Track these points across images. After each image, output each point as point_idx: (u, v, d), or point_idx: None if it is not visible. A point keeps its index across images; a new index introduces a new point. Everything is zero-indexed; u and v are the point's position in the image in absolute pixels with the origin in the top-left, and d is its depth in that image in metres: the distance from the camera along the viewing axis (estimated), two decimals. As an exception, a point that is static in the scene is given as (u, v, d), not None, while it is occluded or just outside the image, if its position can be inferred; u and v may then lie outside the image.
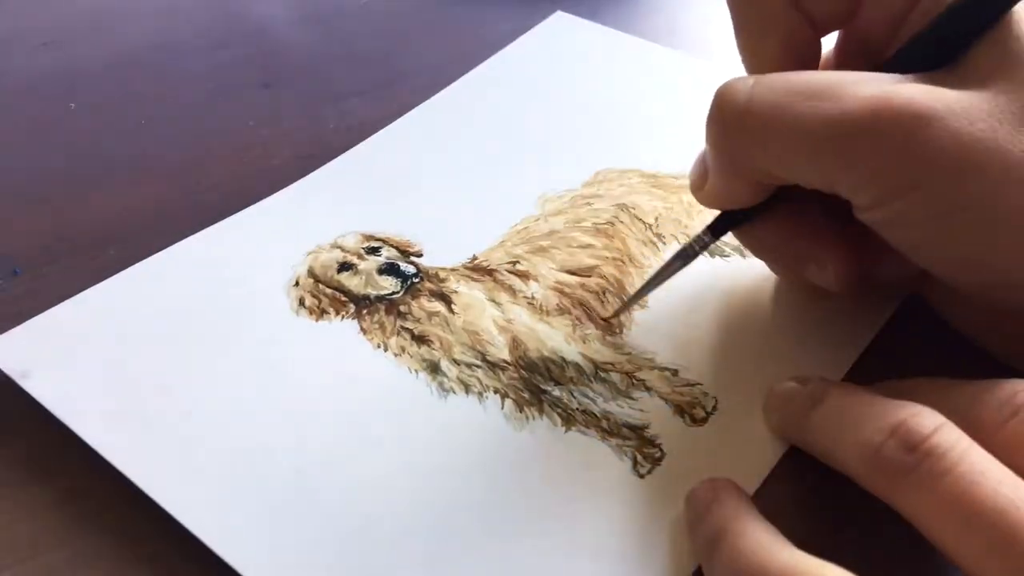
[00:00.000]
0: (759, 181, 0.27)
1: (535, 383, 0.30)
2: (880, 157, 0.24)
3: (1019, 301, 0.26)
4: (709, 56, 0.44)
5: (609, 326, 0.31)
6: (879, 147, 0.23)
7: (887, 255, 0.27)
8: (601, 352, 0.31)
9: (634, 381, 0.30)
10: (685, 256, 0.30)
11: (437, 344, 0.31)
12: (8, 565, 0.26)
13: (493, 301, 0.32)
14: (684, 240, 0.34)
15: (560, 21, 0.46)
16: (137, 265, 0.34)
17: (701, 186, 0.29)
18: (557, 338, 0.31)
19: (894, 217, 0.25)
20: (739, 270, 0.33)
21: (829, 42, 0.29)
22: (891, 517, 0.26)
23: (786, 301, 0.32)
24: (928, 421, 0.22)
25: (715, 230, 0.30)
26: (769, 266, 0.32)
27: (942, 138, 0.23)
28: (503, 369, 0.30)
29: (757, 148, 0.26)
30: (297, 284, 0.33)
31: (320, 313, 0.32)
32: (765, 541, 0.22)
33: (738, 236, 0.31)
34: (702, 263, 0.34)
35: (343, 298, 0.33)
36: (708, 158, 0.28)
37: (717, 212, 0.30)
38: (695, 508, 0.25)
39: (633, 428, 0.28)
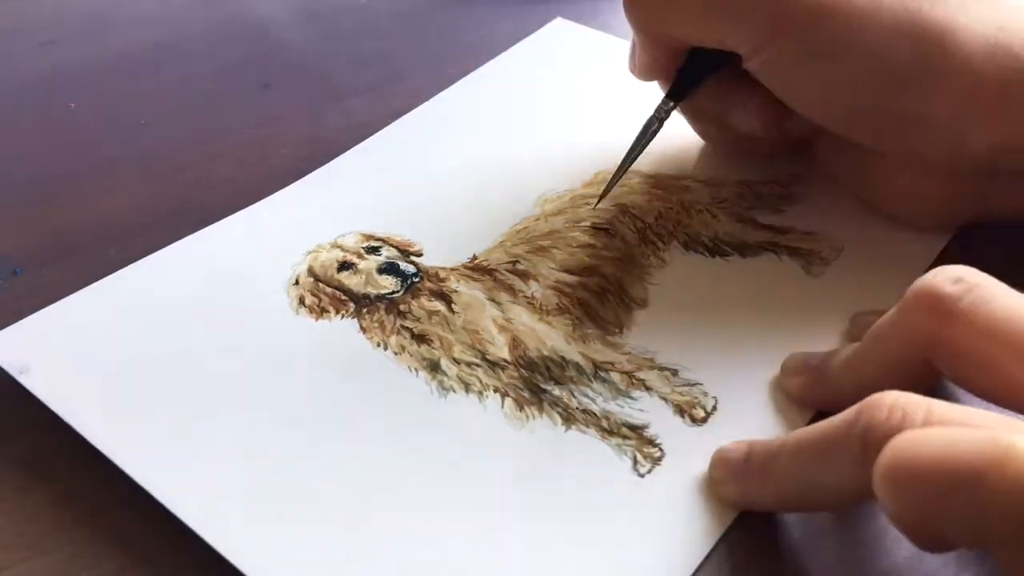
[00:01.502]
0: (669, 46, 0.33)
1: (535, 382, 0.30)
2: (754, 13, 0.30)
3: (873, 138, 0.31)
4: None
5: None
6: (753, 6, 0.30)
7: (791, 112, 0.32)
8: (601, 351, 0.31)
9: (634, 381, 0.30)
10: (654, 122, 0.34)
11: (437, 343, 0.31)
12: (8, 565, 0.26)
13: (493, 300, 0.32)
14: (684, 239, 0.35)
15: (559, 27, 0.46)
16: (137, 263, 0.34)
17: (633, 64, 0.35)
18: (557, 337, 0.31)
19: (768, 63, 0.31)
20: (739, 270, 0.33)
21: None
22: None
23: (787, 301, 0.32)
24: (951, 271, 0.24)
25: (672, 95, 0.34)
26: (696, 128, 0.37)
27: None
28: (503, 368, 0.30)
29: (660, 13, 0.32)
30: (297, 283, 0.33)
31: (320, 312, 0.32)
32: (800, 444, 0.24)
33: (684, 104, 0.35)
34: (702, 263, 0.34)
35: (343, 297, 0.33)
36: (633, 35, 0.34)
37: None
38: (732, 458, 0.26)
39: (633, 428, 0.28)
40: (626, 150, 0.35)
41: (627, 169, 0.35)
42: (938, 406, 0.21)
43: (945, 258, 0.33)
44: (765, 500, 0.25)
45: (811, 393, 0.28)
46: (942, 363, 0.24)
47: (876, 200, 0.34)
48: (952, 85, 0.29)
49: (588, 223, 0.35)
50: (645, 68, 0.35)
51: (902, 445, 0.20)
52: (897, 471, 0.20)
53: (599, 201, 0.35)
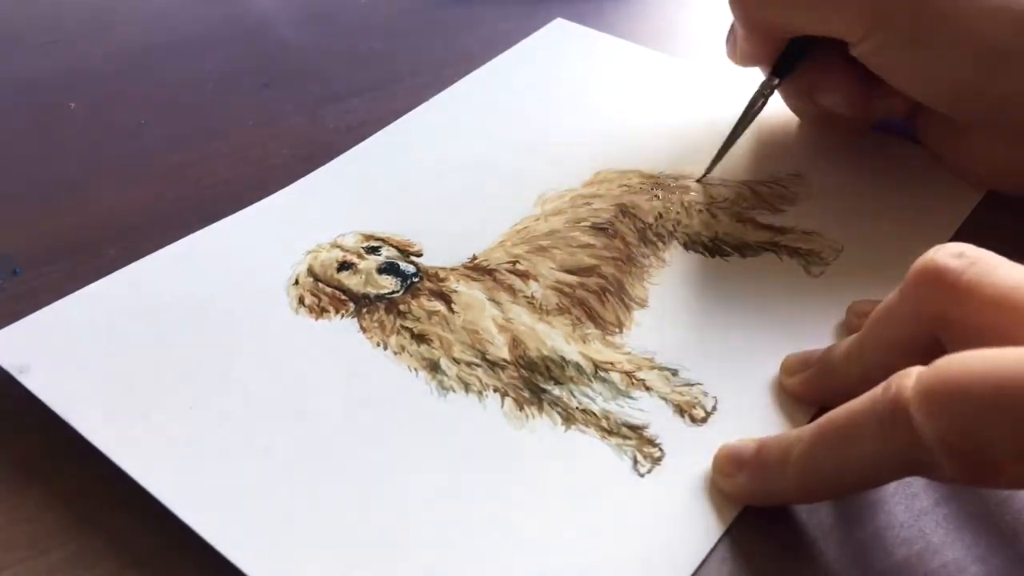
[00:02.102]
0: (773, 35, 0.35)
1: (535, 382, 0.30)
2: (858, 1, 0.31)
3: (975, 114, 0.33)
4: (706, 61, 0.44)
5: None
6: None
7: (879, 91, 0.34)
8: (601, 351, 0.31)
9: (634, 381, 0.30)
10: (759, 99, 0.36)
11: (437, 343, 0.31)
12: (8, 565, 0.26)
13: (493, 300, 0.32)
14: (684, 239, 0.35)
15: (559, 27, 0.46)
16: (137, 263, 0.34)
17: (734, 52, 0.37)
18: (557, 337, 0.31)
19: (875, 48, 0.32)
20: (739, 270, 0.33)
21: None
22: (885, 510, 0.26)
23: (787, 301, 0.32)
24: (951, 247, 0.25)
25: (778, 72, 0.36)
26: (794, 103, 0.39)
27: None
28: (503, 368, 0.30)
29: (765, 4, 0.34)
30: (297, 283, 0.33)
31: (320, 312, 0.32)
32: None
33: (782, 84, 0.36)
34: (702, 263, 0.34)
35: (343, 297, 0.33)
36: (736, 23, 0.35)
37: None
38: (742, 452, 0.26)
39: (633, 427, 0.28)
40: (728, 131, 0.36)
41: (731, 145, 0.36)
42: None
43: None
44: (785, 489, 0.25)
45: (816, 387, 0.28)
46: (950, 338, 0.24)
47: (972, 171, 0.35)
48: None
49: (588, 223, 0.35)
50: (747, 57, 0.36)
51: (945, 363, 0.20)
52: (943, 387, 0.20)
53: (703, 177, 0.37)
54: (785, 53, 0.35)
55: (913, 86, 0.33)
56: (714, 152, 0.37)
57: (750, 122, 0.37)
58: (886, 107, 0.36)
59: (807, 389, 0.28)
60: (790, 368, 0.29)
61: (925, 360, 0.25)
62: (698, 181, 0.37)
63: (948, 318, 0.24)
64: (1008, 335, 0.23)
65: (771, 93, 0.36)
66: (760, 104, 0.36)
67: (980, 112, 0.33)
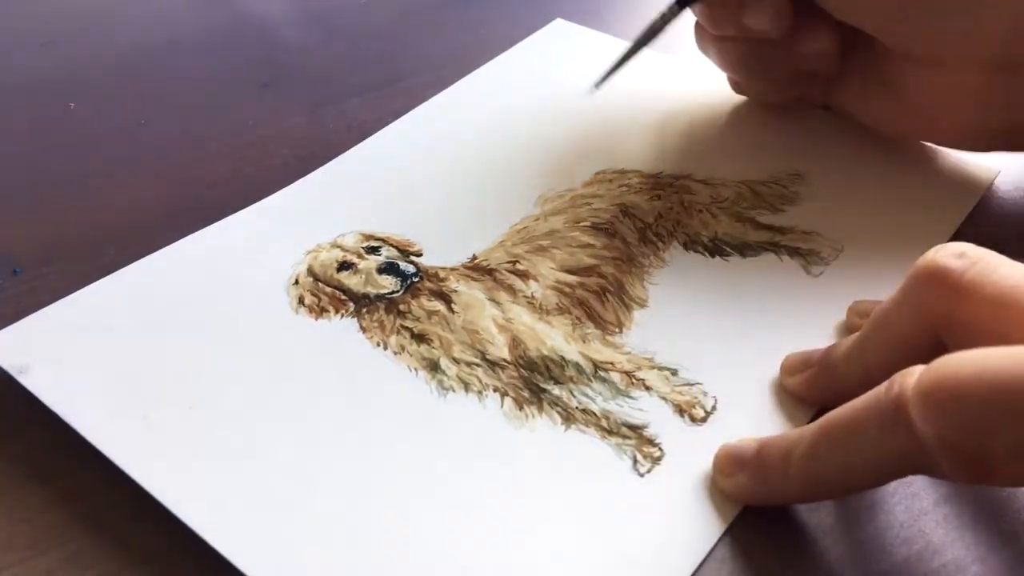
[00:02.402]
0: None
1: (535, 382, 0.30)
2: None
3: (909, 38, 0.32)
4: (705, 61, 0.44)
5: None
6: None
7: (805, 26, 0.34)
8: (601, 351, 0.31)
9: (634, 380, 0.30)
10: (659, 23, 0.35)
11: (437, 343, 0.31)
12: (8, 565, 0.26)
13: (493, 300, 0.32)
14: (684, 239, 0.35)
15: (559, 28, 0.46)
16: (136, 263, 0.34)
17: None
18: (557, 337, 0.31)
19: None
20: (739, 270, 0.33)
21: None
22: (885, 510, 0.26)
23: (787, 300, 0.32)
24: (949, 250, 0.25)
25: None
26: (704, 44, 0.37)
27: None
28: (503, 368, 0.30)
29: None
30: (297, 283, 0.33)
31: (320, 312, 0.32)
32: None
33: (700, 8, 0.35)
34: (702, 263, 0.34)
35: (343, 297, 0.33)
36: None
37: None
38: (742, 452, 0.26)
39: (633, 427, 0.28)
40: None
41: (624, 63, 0.35)
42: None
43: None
44: (787, 489, 0.25)
45: (816, 387, 0.28)
46: (952, 337, 0.24)
47: (904, 123, 0.35)
48: None
49: (588, 223, 0.35)
50: None
51: (941, 364, 0.20)
52: (940, 388, 0.20)
53: (597, 84, 0.36)
54: None
55: (847, 6, 0.32)
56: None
57: (645, 44, 0.35)
58: (814, 45, 0.35)
59: (808, 389, 0.28)
60: (790, 368, 0.29)
61: (927, 360, 0.25)
62: (589, 92, 0.37)
63: (950, 318, 0.24)
64: (1010, 334, 0.23)
65: (671, 18, 0.35)
66: (659, 27, 0.35)
67: (913, 37, 0.32)
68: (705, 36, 0.37)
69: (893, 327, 0.26)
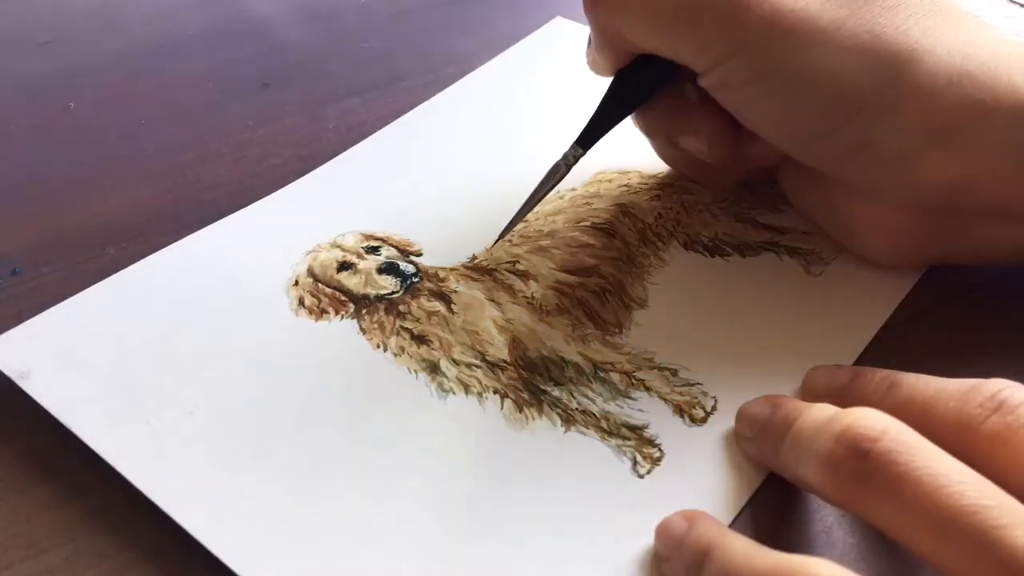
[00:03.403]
0: (620, 48, 0.31)
1: (535, 383, 0.30)
2: (711, 28, 0.28)
3: (823, 162, 0.30)
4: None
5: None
6: (711, 20, 0.28)
7: (749, 134, 0.31)
8: (600, 352, 0.31)
9: (633, 381, 0.30)
10: (560, 167, 0.33)
11: (436, 344, 0.31)
12: (8, 565, 0.26)
13: (493, 301, 0.32)
14: (684, 239, 0.35)
15: (559, 26, 0.46)
16: (136, 264, 0.34)
17: (586, 53, 0.34)
18: (557, 338, 0.31)
19: (723, 80, 0.29)
20: (739, 270, 0.33)
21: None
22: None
23: (787, 300, 0.32)
24: (873, 423, 0.22)
25: (582, 142, 0.33)
26: (655, 146, 0.36)
27: (763, 9, 0.28)
28: (503, 369, 0.30)
29: (619, 20, 0.30)
30: (297, 284, 0.33)
31: (320, 313, 0.32)
32: (752, 548, 0.22)
33: (638, 116, 0.34)
34: (702, 263, 0.34)
35: (343, 298, 0.33)
36: (591, 30, 0.32)
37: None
38: (672, 534, 0.24)
39: (633, 428, 0.28)
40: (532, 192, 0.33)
41: (526, 214, 0.33)
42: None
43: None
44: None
45: (762, 455, 0.27)
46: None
47: (839, 233, 0.33)
48: (905, 114, 0.28)
49: (588, 223, 0.35)
50: (594, 63, 0.34)
51: None
52: None
53: (495, 243, 0.33)
54: (628, 78, 0.32)
55: (764, 125, 0.30)
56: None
57: (548, 191, 0.33)
58: (759, 154, 0.32)
59: (756, 455, 0.27)
60: (741, 428, 0.28)
61: None
62: (488, 249, 0.34)
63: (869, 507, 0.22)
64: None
65: (575, 162, 0.33)
66: (562, 173, 0.33)
67: (833, 161, 0.30)
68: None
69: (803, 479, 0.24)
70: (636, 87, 0.33)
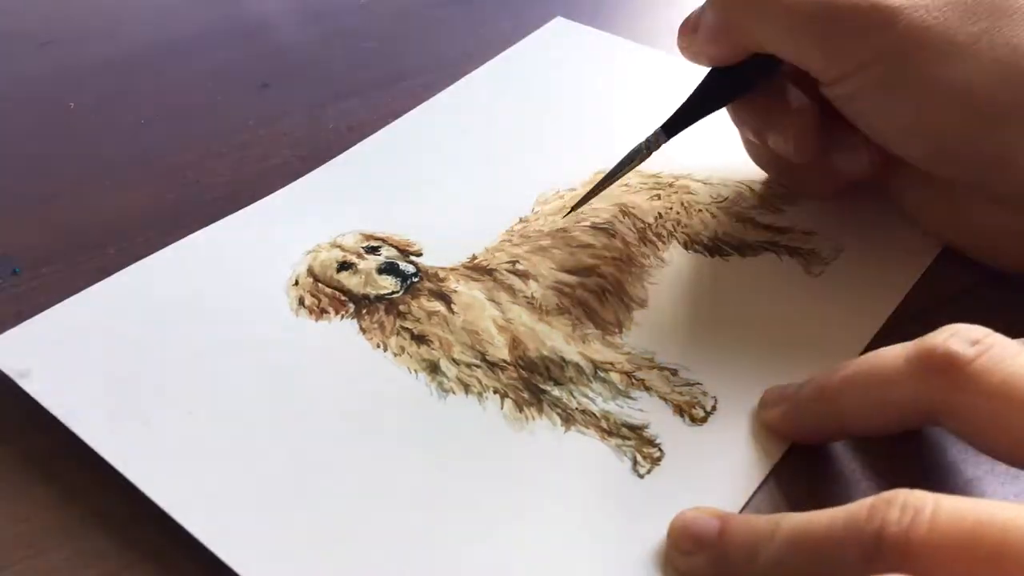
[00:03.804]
0: (740, 45, 0.31)
1: (535, 383, 0.30)
2: (848, 39, 0.29)
3: (957, 173, 0.30)
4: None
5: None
6: (849, 31, 0.28)
7: (842, 140, 0.32)
8: (600, 352, 0.31)
9: (633, 381, 0.30)
10: (641, 150, 0.33)
11: (436, 344, 0.31)
12: (8, 565, 0.26)
13: (493, 301, 0.32)
14: (684, 239, 0.34)
15: (559, 26, 0.46)
16: (136, 264, 0.34)
17: (688, 39, 0.33)
18: (557, 338, 0.31)
19: (854, 91, 0.29)
20: (739, 270, 0.33)
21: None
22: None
23: (787, 300, 0.32)
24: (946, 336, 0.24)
25: (668, 128, 0.33)
26: (743, 138, 0.36)
27: (901, 22, 0.28)
28: (503, 369, 0.30)
29: (753, 19, 0.30)
30: (297, 283, 0.33)
31: (320, 313, 0.32)
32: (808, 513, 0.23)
33: (731, 109, 0.34)
34: (702, 263, 0.34)
35: (343, 297, 0.33)
36: (707, 18, 0.32)
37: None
38: (699, 529, 0.24)
39: (633, 428, 0.28)
40: (609, 168, 0.34)
41: (599, 192, 0.34)
42: (946, 503, 0.20)
43: (946, 258, 0.33)
44: None
45: (789, 423, 0.27)
46: (950, 423, 0.24)
47: (972, 245, 0.32)
48: None
49: (588, 223, 0.35)
50: (699, 53, 0.33)
51: (947, 519, 0.20)
52: (949, 545, 0.19)
53: (567, 214, 0.34)
54: (686, 104, 0.33)
55: (891, 137, 0.30)
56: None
57: (625, 173, 0.34)
58: (849, 163, 0.33)
59: (781, 424, 0.28)
60: (767, 402, 0.28)
61: (911, 426, 0.25)
62: (563, 217, 0.35)
63: (953, 405, 0.23)
64: (1006, 427, 0.23)
65: (655, 148, 0.33)
66: (642, 157, 0.33)
67: (963, 172, 0.30)
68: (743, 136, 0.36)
69: (886, 392, 0.25)
70: (735, 84, 0.33)
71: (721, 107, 0.34)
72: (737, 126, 0.35)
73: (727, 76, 0.33)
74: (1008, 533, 0.19)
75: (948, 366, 0.23)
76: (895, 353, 0.25)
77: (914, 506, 0.20)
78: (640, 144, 0.33)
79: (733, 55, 0.32)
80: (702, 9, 0.33)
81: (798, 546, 0.22)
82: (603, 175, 0.38)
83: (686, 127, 0.33)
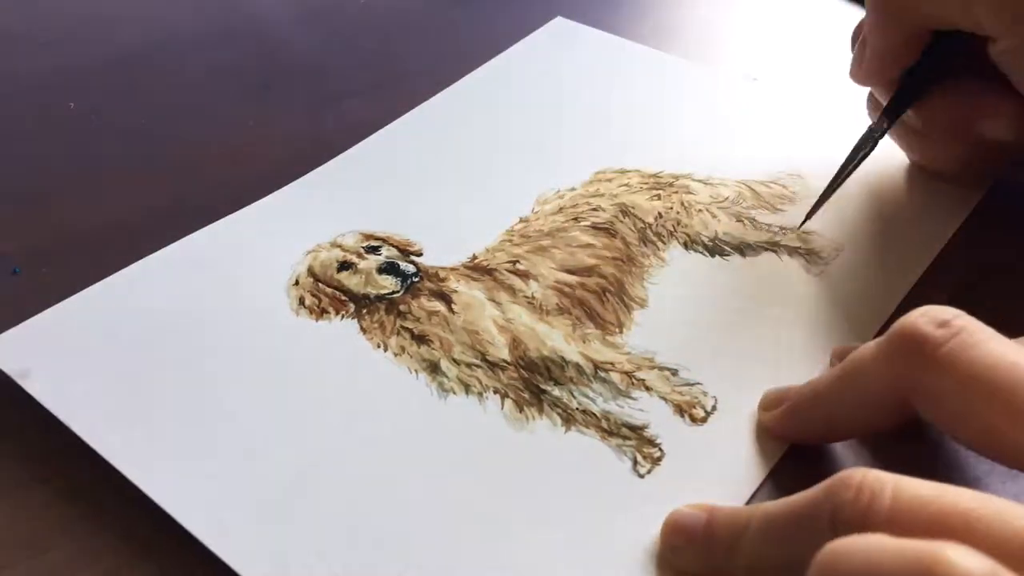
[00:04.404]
0: (912, 29, 0.31)
1: (535, 383, 0.30)
2: None
3: None
4: (707, 60, 0.44)
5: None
6: None
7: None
8: (601, 352, 0.31)
9: (634, 381, 0.30)
10: (867, 143, 0.34)
11: (437, 344, 0.31)
12: (8, 565, 0.26)
13: (493, 300, 0.32)
14: (684, 239, 0.35)
15: (559, 26, 0.46)
16: (136, 264, 0.34)
17: (860, 60, 0.34)
18: (557, 338, 0.31)
19: (1019, 44, 0.29)
20: (739, 270, 0.33)
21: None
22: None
23: (787, 301, 0.32)
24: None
25: (889, 111, 0.33)
26: (925, 147, 0.35)
27: None
28: (503, 369, 0.30)
29: None
30: (297, 283, 0.33)
31: (320, 312, 0.32)
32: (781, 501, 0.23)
33: (916, 112, 0.33)
34: (702, 263, 0.34)
35: (343, 297, 0.33)
36: (869, 22, 0.32)
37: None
38: (688, 523, 0.25)
39: (633, 428, 0.28)
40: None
41: (833, 192, 0.34)
42: (906, 484, 0.20)
43: (946, 258, 0.33)
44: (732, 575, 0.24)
45: (785, 425, 0.27)
46: (922, 407, 0.24)
47: None
48: None
49: (588, 223, 0.35)
50: (877, 57, 0.33)
51: (829, 558, 0.19)
52: None
53: (801, 224, 0.34)
54: (914, 72, 0.33)
55: None
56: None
57: (855, 168, 0.34)
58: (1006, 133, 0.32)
59: (777, 426, 0.28)
60: (765, 403, 0.28)
61: (892, 417, 0.25)
62: (799, 228, 0.35)
63: (921, 386, 0.23)
64: (978, 415, 0.22)
65: (881, 136, 0.34)
66: (869, 149, 0.34)
67: None
68: (915, 137, 0.35)
69: (862, 382, 0.25)
70: (935, 65, 0.32)
71: (933, 86, 0.33)
72: (927, 133, 0.34)
73: (926, 56, 0.32)
74: (971, 524, 0.19)
75: (918, 348, 0.23)
76: (872, 344, 0.25)
77: (871, 488, 0.20)
78: (864, 134, 0.34)
79: (907, 44, 0.32)
80: (859, 28, 0.34)
81: (767, 532, 0.23)
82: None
83: (906, 110, 0.33)
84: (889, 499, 0.20)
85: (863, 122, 0.36)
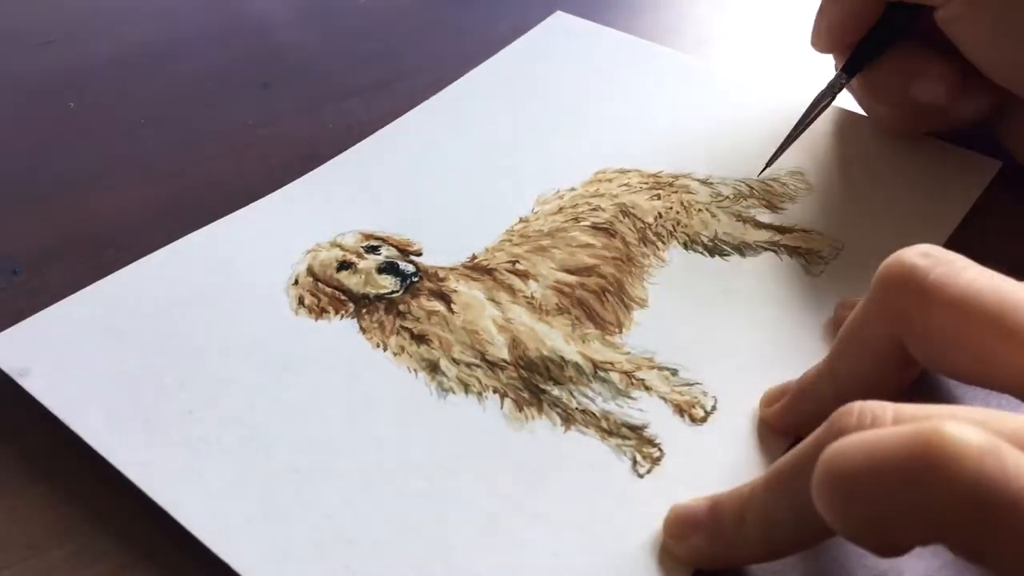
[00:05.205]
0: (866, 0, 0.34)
1: (534, 383, 0.30)
2: None
3: None
4: (707, 55, 0.44)
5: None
6: None
7: (969, 84, 0.33)
8: (600, 351, 0.31)
9: (633, 380, 0.30)
10: (826, 96, 0.36)
11: (436, 343, 0.31)
12: (8, 565, 0.26)
13: (492, 300, 0.32)
14: (684, 239, 0.35)
15: (560, 21, 0.46)
16: (136, 264, 0.34)
17: (818, 31, 0.36)
18: (556, 337, 0.31)
19: (963, 11, 0.31)
20: (739, 270, 0.33)
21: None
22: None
23: (787, 301, 0.32)
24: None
25: (848, 68, 0.35)
26: (875, 105, 0.37)
27: None
28: (502, 369, 0.30)
29: None
30: (296, 283, 0.33)
31: (320, 312, 0.32)
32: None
33: (864, 74, 0.36)
34: (702, 263, 0.34)
35: (342, 297, 0.33)
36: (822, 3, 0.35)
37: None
38: (691, 512, 0.25)
39: (632, 428, 0.28)
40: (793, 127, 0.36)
41: (792, 142, 0.36)
42: (905, 407, 0.20)
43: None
44: (745, 547, 0.23)
45: (791, 414, 0.27)
46: (911, 340, 0.24)
47: None
48: None
49: (588, 223, 0.35)
50: (835, 26, 0.35)
51: (831, 455, 0.19)
52: (831, 481, 0.19)
53: (760, 173, 0.36)
54: (869, 36, 0.35)
55: (1000, 64, 0.31)
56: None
57: (812, 121, 0.36)
58: (973, 105, 0.34)
59: (783, 417, 0.27)
60: (768, 399, 0.28)
61: (894, 372, 0.25)
62: (758, 176, 0.36)
63: (911, 318, 0.24)
64: (969, 341, 0.23)
65: (840, 90, 0.36)
66: (827, 102, 0.36)
67: None
68: (864, 97, 0.37)
69: (860, 335, 0.25)
70: (891, 29, 0.35)
71: (889, 45, 0.35)
72: (873, 97, 0.36)
73: (879, 24, 0.35)
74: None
75: (907, 279, 0.23)
76: (863, 297, 0.25)
77: (872, 411, 0.20)
78: (823, 89, 0.36)
79: (862, 13, 0.34)
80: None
81: (773, 486, 0.22)
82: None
83: (863, 67, 0.35)
84: (891, 420, 0.20)
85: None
